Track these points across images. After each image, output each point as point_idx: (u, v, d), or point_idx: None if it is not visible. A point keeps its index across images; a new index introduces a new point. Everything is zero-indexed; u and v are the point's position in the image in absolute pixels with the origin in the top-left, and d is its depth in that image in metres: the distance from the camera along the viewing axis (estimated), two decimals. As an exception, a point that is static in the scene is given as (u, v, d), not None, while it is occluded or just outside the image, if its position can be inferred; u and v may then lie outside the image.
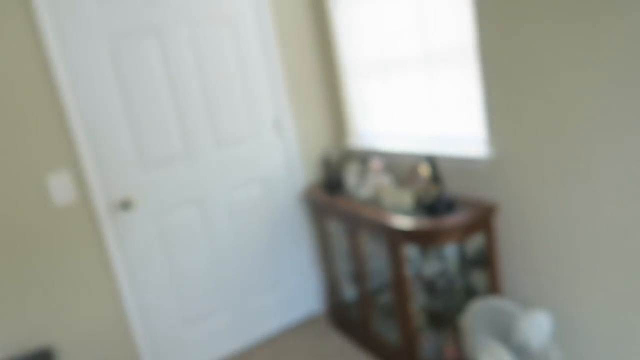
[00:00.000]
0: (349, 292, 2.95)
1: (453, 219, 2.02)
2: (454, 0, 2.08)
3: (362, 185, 2.70)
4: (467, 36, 2.07)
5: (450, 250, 2.34)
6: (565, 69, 1.69)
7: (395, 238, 2.20)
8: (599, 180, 1.69)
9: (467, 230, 2.05)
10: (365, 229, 2.46)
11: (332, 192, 2.81)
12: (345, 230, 2.85)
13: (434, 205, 2.10)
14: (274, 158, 2.97)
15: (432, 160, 2.10)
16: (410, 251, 2.37)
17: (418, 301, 2.37)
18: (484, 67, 1.99)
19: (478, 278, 2.26)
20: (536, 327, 1.77)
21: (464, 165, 2.19)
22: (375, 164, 2.54)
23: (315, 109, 3.08)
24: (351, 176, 2.74)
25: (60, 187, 2.36)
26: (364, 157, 2.75)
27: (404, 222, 2.11)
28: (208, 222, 2.82)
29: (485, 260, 2.19)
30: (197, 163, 2.75)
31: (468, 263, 2.29)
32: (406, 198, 2.19)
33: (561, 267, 1.92)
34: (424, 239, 2.07)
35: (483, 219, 2.06)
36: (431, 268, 2.32)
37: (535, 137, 1.87)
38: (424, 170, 2.23)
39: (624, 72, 1.53)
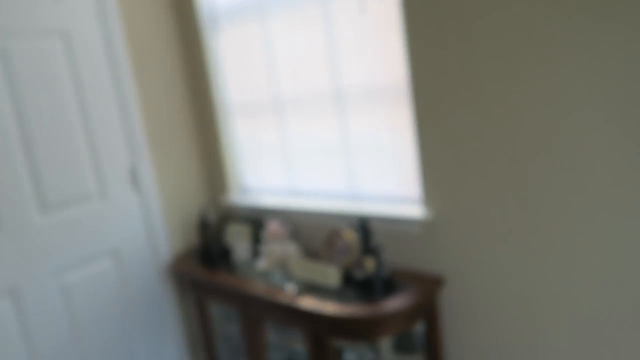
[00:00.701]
0: (236, 393, 2.27)
1: (396, 303, 1.56)
2: (381, 30, 1.70)
3: (257, 256, 2.10)
4: (398, 75, 1.69)
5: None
6: (518, 115, 1.41)
7: (319, 329, 1.66)
8: (554, 247, 1.41)
9: (413, 315, 1.61)
10: (267, 314, 1.86)
11: (213, 264, 2.16)
12: (237, 316, 2.20)
13: (368, 283, 1.62)
14: (130, 222, 2.20)
15: (364, 224, 1.64)
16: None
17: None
18: (418, 111, 1.62)
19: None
20: None
21: (394, 228, 1.78)
22: (274, 227, 1.98)
23: (186, 158, 2.41)
24: (240, 243, 2.12)
25: None
26: (256, 219, 2.17)
27: (329, 307, 1.58)
28: (28, 320, 1.91)
29: (426, 347, 1.76)
30: (10, 234, 1.86)
31: (403, 350, 1.84)
32: (332, 274, 1.67)
33: (514, 351, 1.58)
34: (361, 331, 1.56)
35: (428, 298, 1.64)
36: (360, 362, 1.81)
37: (480, 195, 1.54)
38: (349, 236, 1.75)
39: (576, 114, 1.29)
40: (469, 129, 1.53)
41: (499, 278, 1.57)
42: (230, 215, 2.38)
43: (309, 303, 1.64)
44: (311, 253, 2.04)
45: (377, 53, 1.72)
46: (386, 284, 1.62)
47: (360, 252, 1.68)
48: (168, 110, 2.33)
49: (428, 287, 1.64)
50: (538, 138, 1.40)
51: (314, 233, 2.07)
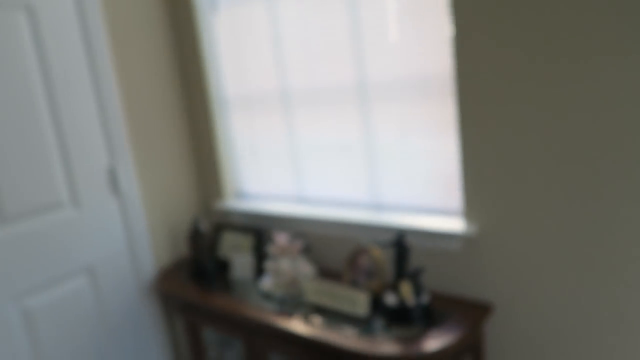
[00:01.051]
0: None
1: (440, 339, 1.28)
2: (421, 7, 1.41)
3: (260, 273, 1.80)
4: (440, 64, 1.41)
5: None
6: (587, 117, 1.15)
7: (343, 370, 1.37)
8: (622, 270, 1.16)
9: (458, 353, 1.33)
10: (275, 345, 1.57)
11: (207, 281, 1.85)
12: (236, 343, 1.90)
13: (402, 311, 1.34)
14: (108, 233, 1.87)
15: (400, 240, 1.35)
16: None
17: None
18: (463, 107, 1.34)
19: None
20: None
21: (429, 244, 1.50)
22: (284, 240, 1.68)
23: (174, 158, 2.08)
24: (239, 257, 1.82)
25: None
26: (258, 229, 1.87)
27: (355, 342, 1.30)
28: (-19, 356, 1.57)
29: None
30: (-41, 251, 1.52)
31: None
32: (360, 300, 1.38)
33: (582, 391, 1.33)
34: (398, 372, 1.28)
35: (475, 330, 1.36)
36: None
37: (533, 206, 1.28)
38: (377, 254, 1.46)
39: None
40: (522, 129, 1.26)
41: (557, 307, 1.31)
42: (227, 223, 2.07)
43: (327, 335, 1.35)
44: (324, 272, 1.75)
45: (414, 37, 1.44)
46: (424, 313, 1.34)
47: (391, 273, 1.39)
48: (154, 103, 2.00)
49: (473, 317, 1.36)
50: (611, 146, 1.14)
51: (326, 248, 1.78)
